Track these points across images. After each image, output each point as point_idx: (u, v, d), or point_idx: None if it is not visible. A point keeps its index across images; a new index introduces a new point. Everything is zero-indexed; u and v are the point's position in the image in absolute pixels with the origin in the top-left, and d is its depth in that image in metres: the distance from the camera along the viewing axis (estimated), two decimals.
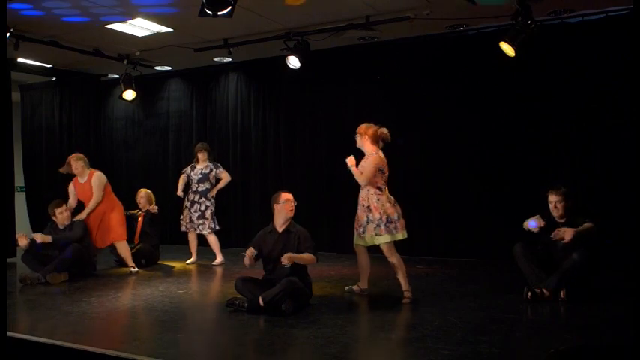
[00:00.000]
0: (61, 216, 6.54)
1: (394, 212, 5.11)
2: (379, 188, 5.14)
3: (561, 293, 4.95)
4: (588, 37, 6.70)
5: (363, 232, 5.20)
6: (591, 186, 6.58)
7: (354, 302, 5.13)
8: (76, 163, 6.76)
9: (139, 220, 7.74)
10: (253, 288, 4.88)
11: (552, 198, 5.24)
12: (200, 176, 7.45)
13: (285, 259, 4.71)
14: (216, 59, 8.67)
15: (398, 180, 7.79)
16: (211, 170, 7.52)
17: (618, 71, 6.30)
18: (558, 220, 5.26)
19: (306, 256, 4.87)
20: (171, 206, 9.38)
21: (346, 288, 5.66)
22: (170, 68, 9.46)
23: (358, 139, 5.31)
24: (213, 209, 7.49)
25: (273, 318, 4.55)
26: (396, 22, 6.59)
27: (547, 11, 6.50)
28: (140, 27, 7.05)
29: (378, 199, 5.10)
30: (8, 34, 6.68)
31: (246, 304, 4.74)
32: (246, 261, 4.92)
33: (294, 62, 7.38)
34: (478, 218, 7.30)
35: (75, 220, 6.61)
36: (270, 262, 5.03)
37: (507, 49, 6.10)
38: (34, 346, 4.03)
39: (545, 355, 3.62)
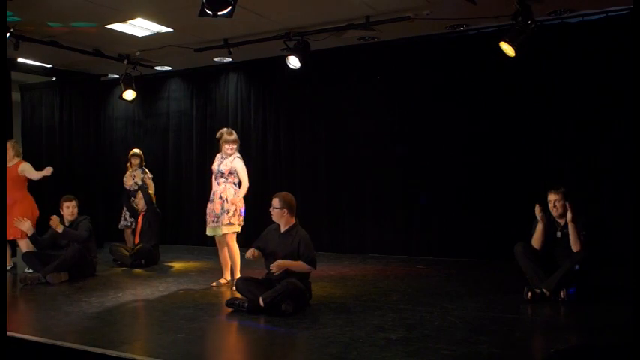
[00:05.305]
0: (67, 210, 6.59)
1: (243, 206, 5.89)
2: (234, 184, 5.91)
3: (561, 293, 4.95)
4: (588, 37, 6.70)
5: (216, 223, 5.81)
6: (591, 186, 6.58)
7: (354, 302, 5.12)
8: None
9: (139, 220, 7.73)
10: (253, 288, 4.89)
11: (552, 197, 5.25)
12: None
13: (275, 266, 4.85)
14: (216, 59, 8.66)
15: (398, 180, 7.87)
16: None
17: (618, 71, 6.30)
18: (557, 220, 5.28)
19: (300, 265, 4.88)
20: (171, 206, 9.40)
21: (214, 284, 5.99)
22: (170, 68, 9.45)
23: (234, 146, 6.04)
24: None
25: (273, 318, 4.55)
26: (396, 22, 6.60)
27: (547, 11, 6.50)
28: (140, 27, 7.04)
29: (235, 193, 5.85)
30: (8, 34, 6.68)
31: (246, 304, 4.74)
32: (248, 255, 5.03)
33: (294, 62, 7.38)
34: (478, 218, 7.30)
35: (82, 219, 6.62)
36: (270, 259, 5.02)
37: (507, 49, 6.10)
38: (34, 346, 4.03)
39: (545, 355, 3.63)
